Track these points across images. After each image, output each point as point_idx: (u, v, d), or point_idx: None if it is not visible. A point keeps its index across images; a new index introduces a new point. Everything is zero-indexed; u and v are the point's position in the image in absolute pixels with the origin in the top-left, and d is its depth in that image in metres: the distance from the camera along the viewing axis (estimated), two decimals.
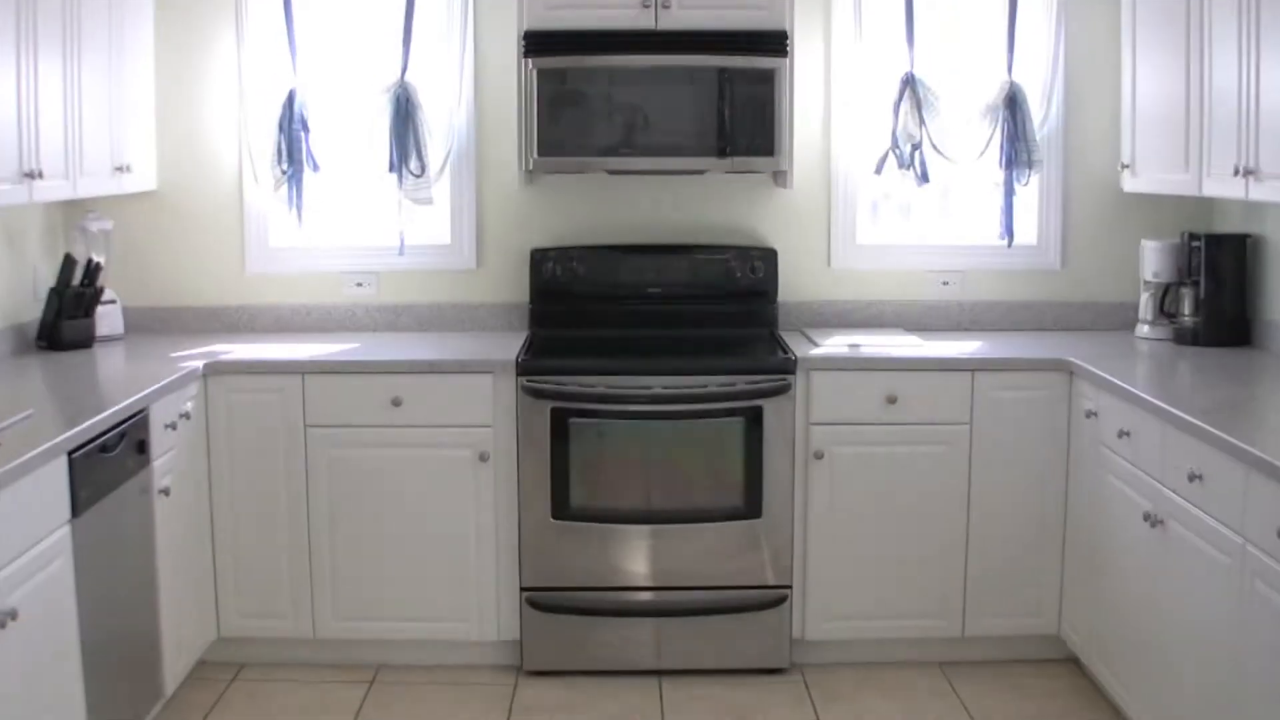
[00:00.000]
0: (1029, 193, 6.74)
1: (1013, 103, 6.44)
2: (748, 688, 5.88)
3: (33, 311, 6.12)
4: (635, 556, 6.04)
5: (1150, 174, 6.33)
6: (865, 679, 6.06)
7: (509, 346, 6.09)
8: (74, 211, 6.33)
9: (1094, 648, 5.93)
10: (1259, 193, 5.25)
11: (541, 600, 5.93)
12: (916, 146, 6.46)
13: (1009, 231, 6.63)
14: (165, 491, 5.27)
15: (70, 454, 4.26)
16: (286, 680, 5.98)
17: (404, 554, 6.03)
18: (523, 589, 5.91)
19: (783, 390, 5.82)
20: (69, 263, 6.16)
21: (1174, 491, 4.85)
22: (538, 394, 5.72)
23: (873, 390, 5.92)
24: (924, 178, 6.47)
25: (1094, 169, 6.87)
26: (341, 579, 6.01)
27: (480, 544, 5.85)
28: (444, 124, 6.59)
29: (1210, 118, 5.72)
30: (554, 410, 5.76)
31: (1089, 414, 5.76)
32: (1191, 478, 4.69)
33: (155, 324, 6.63)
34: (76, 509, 4.34)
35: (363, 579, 6.01)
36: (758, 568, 5.97)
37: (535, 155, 6.05)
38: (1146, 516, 5.07)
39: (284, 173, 6.42)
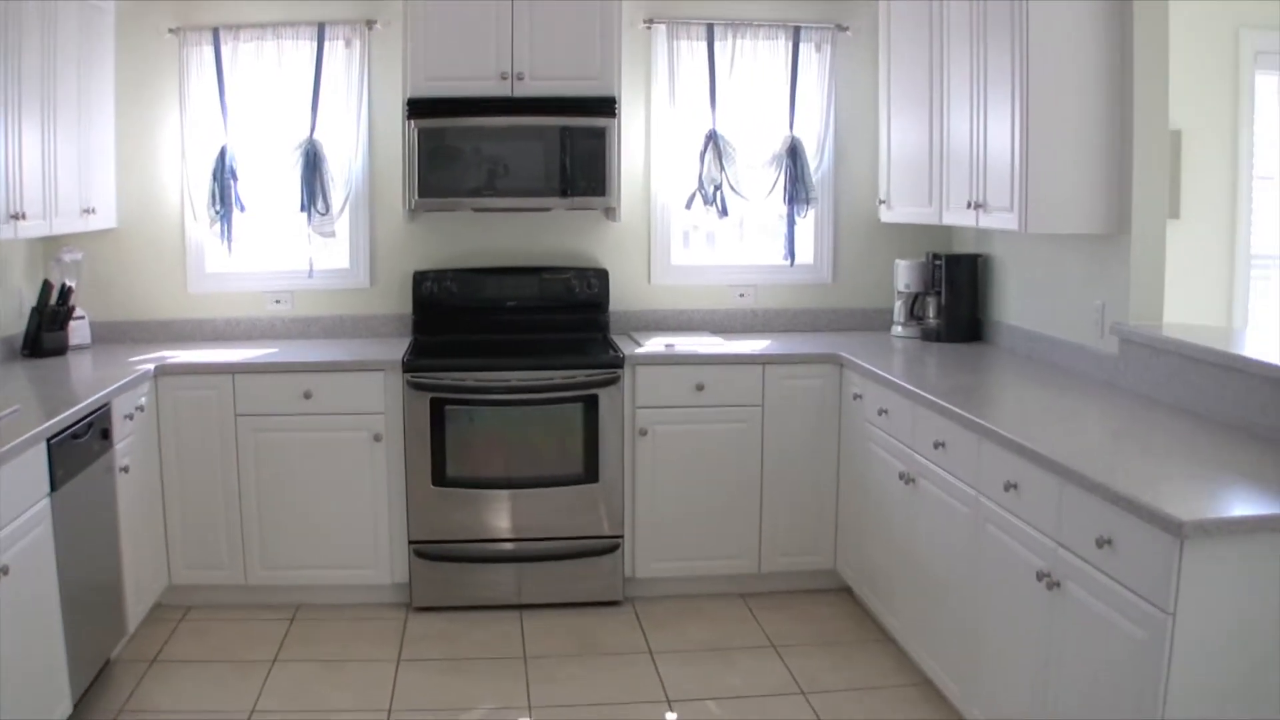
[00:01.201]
0: (807, 223, 7.59)
1: (794, 152, 7.32)
2: (590, 617, 6.53)
3: (18, 326, 6.56)
4: (499, 514, 6.58)
5: (902, 208, 7.16)
6: (683, 608, 6.69)
7: (396, 349, 6.71)
8: (51, 245, 6.77)
9: (863, 580, 6.56)
10: (987, 221, 6.10)
11: (425, 550, 6.53)
12: (718, 187, 7.26)
13: (791, 254, 7.50)
14: (125, 469, 5.71)
15: (49, 440, 4.71)
16: (225, 619, 6.46)
17: (316, 515, 6.50)
18: (410, 542, 6.52)
19: (614, 381, 6.54)
20: (47, 287, 6.59)
21: (923, 456, 5.59)
22: (419, 387, 6.38)
23: (685, 380, 6.64)
24: (724, 212, 7.31)
25: (858, 204, 7.65)
26: (267, 536, 6.50)
27: (376, 506, 6.48)
28: (344, 172, 7.12)
29: (948, 164, 6.55)
30: (432, 400, 6.40)
31: (855, 396, 6.55)
32: (936, 445, 5.41)
33: (116, 335, 7.09)
34: (54, 485, 4.77)
35: (284, 536, 6.51)
36: (596, 521, 6.61)
37: (416, 197, 6.76)
38: (902, 475, 5.80)
39: (217, 212, 6.97)
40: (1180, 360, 5.37)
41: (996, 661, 4.86)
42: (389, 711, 5.43)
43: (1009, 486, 4.68)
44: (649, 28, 7.29)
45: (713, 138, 7.23)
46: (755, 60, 7.34)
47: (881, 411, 6.19)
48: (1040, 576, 4.39)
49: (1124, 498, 3.83)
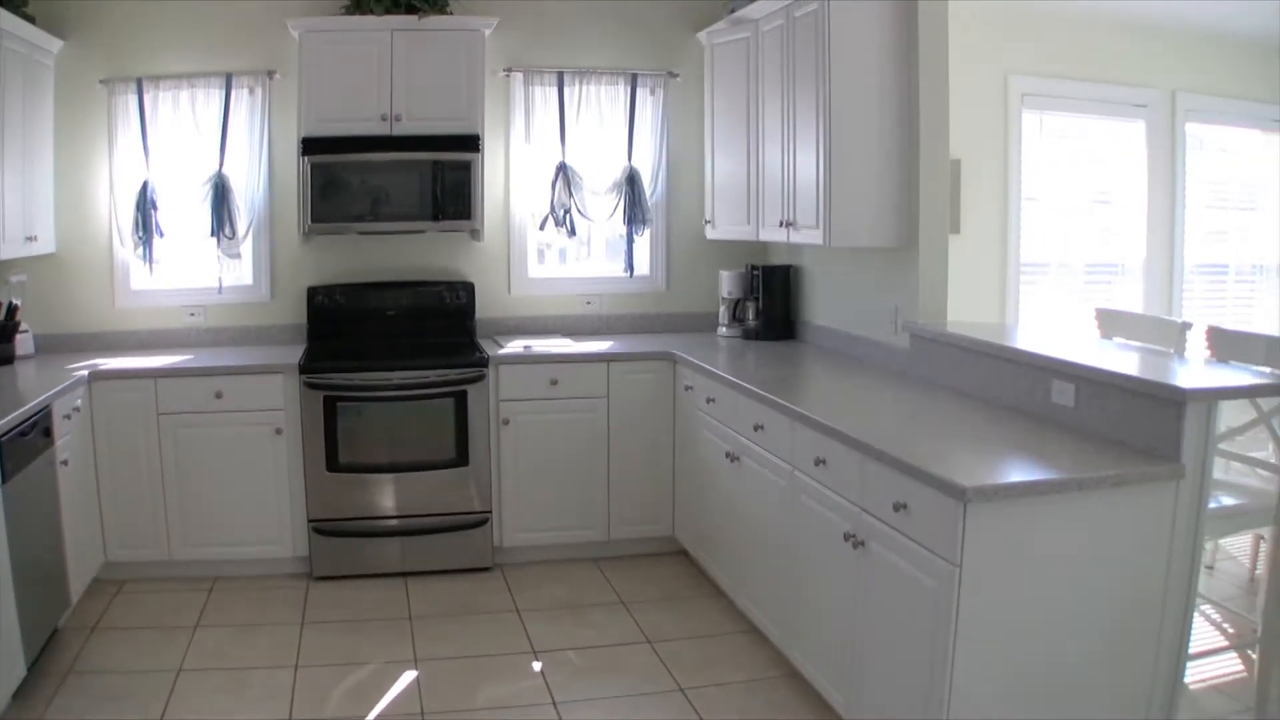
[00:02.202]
0: (644, 241, 8.20)
1: (632, 181, 7.96)
2: (465, 582, 6.97)
3: None
4: (385, 495, 7.01)
5: (725, 226, 7.71)
6: (544, 572, 7.17)
7: (294, 355, 7.09)
8: (1, 269, 7.04)
9: (697, 544, 7.00)
10: (796, 237, 6.64)
11: (323, 527, 6.93)
12: (567, 211, 7.86)
13: (630, 267, 8.12)
14: (65, 463, 6.01)
15: (0, 438, 4.97)
16: (154, 591, 6.78)
17: (228, 499, 6.87)
18: (309, 520, 6.92)
19: (480, 378, 7.01)
20: None
21: (745, 437, 6.01)
22: (313, 386, 6.79)
23: (541, 376, 7.16)
24: (572, 232, 7.92)
25: (687, 224, 8.28)
26: (187, 518, 6.86)
27: (279, 490, 6.88)
28: (248, 202, 7.49)
29: (764, 189, 7.08)
30: (325, 397, 6.82)
31: (687, 388, 7.02)
32: (756, 428, 5.82)
33: (56, 346, 7.40)
34: (5, 477, 5.00)
35: (201, 517, 6.87)
36: (468, 499, 7.08)
37: (310, 222, 7.19)
38: (728, 455, 6.24)
39: (140, 238, 7.32)
40: (961, 353, 5.78)
41: (813, 610, 5.23)
42: (296, 667, 5.74)
43: (819, 461, 5.09)
44: (508, 75, 7.86)
45: (562, 168, 7.83)
46: (599, 102, 7.96)
47: (709, 400, 6.62)
48: (847, 537, 4.75)
49: (916, 468, 4.20)
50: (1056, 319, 8.92)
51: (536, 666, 5.87)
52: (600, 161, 8.05)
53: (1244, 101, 9.52)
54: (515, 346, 7.50)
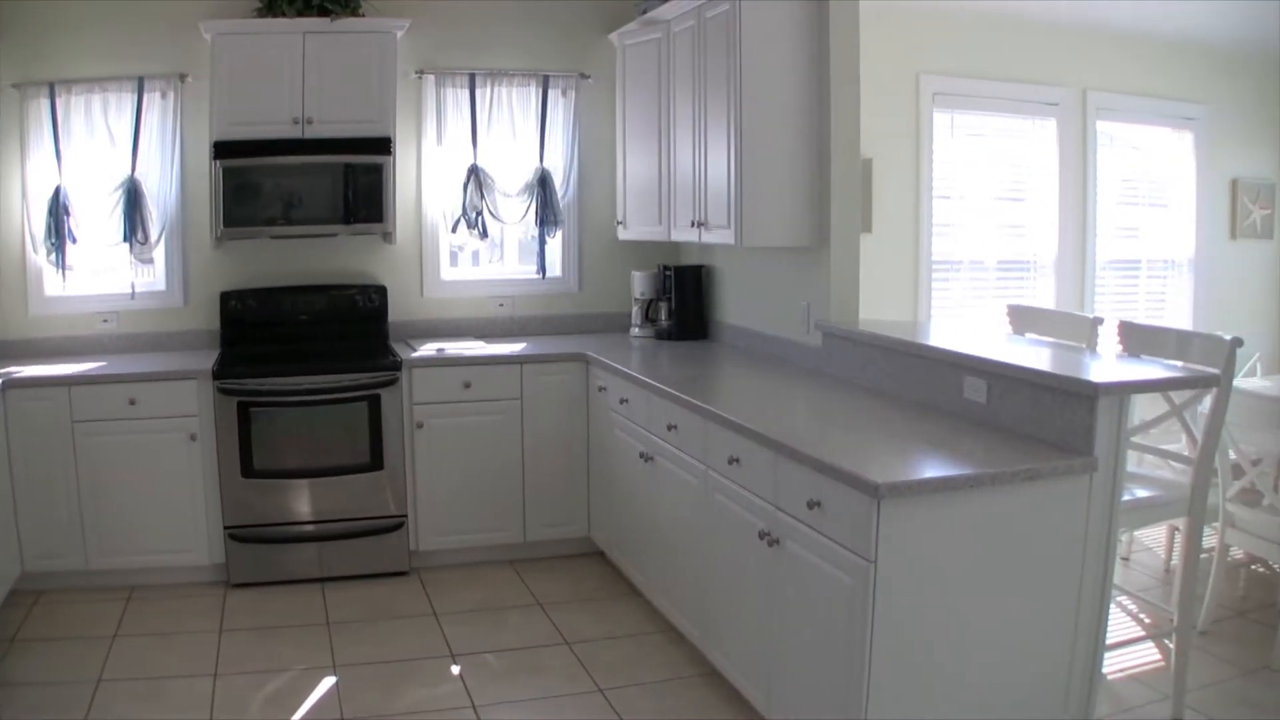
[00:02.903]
0: (556, 242, 8.37)
1: (544, 182, 8.11)
2: (382, 586, 7.07)
3: None
4: (300, 500, 7.09)
5: (637, 227, 7.86)
6: (461, 575, 7.27)
7: (207, 360, 7.15)
8: None
9: (613, 544, 7.12)
10: (709, 238, 6.79)
11: (239, 534, 6.99)
12: (479, 213, 7.99)
13: (543, 268, 8.30)
14: None
15: None
16: (71, 601, 6.82)
17: (144, 507, 6.91)
18: (225, 527, 6.98)
19: (393, 382, 7.11)
20: None
21: (659, 437, 6.14)
22: (227, 392, 6.87)
23: (454, 379, 7.28)
24: (484, 234, 8.05)
25: (599, 225, 8.44)
26: (103, 527, 6.90)
27: (194, 497, 6.93)
28: (160, 206, 7.52)
29: (675, 190, 7.23)
30: (239, 403, 6.89)
31: (600, 388, 7.15)
32: (670, 428, 5.93)
33: None
34: None
35: (117, 526, 6.91)
36: (384, 503, 7.18)
37: (222, 227, 7.23)
38: (642, 455, 6.36)
39: (53, 244, 7.36)
40: (873, 350, 5.92)
41: (730, 609, 5.34)
42: (215, 676, 5.82)
43: (732, 460, 5.20)
44: (420, 78, 7.99)
45: (474, 171, 8.00)
46: (510, 104, 8.12)
47: (623, 401, 6.75)
48: (762, 535, 4.86)
49: (829, 466, 4.31)
50: (969, 316, 9.15)
51: (455, 670, 5.98)
52: (512, 163, 8.20)
53: (1154, 99, 9.79)
54: (428, 349, 7.61)
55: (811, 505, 4.47)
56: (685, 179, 7.14)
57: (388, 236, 7.80)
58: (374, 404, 7.20)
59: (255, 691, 5.70)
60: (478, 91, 8.11)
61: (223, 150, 7.28)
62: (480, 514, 7.52)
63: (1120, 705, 5.53)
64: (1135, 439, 5.40)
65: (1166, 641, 5.95)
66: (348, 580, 7.25)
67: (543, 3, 8.37)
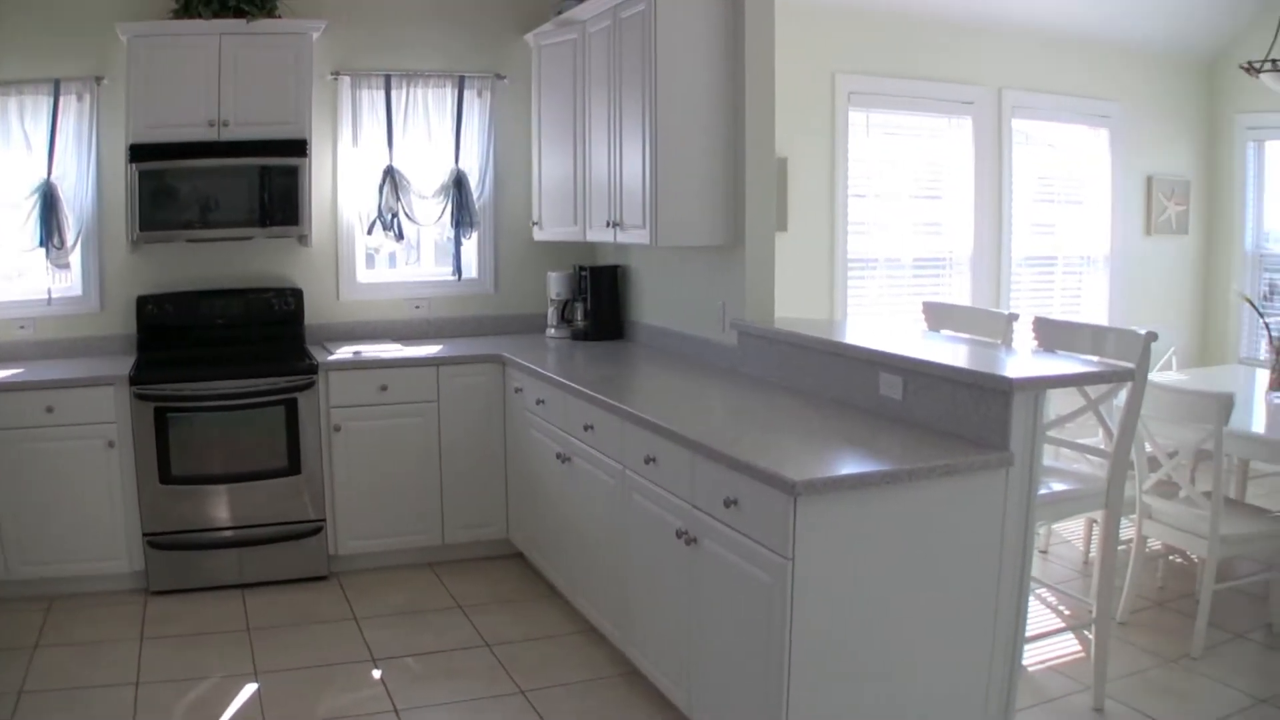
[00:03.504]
0: (471, 243, 8.49)
1: (459, 184, 8.24)
2: (303, 591, 7.14)
3: None
4: (219, 506, 7.14)
5: (552, 228, 7.98)
6: (381, 579, 7.36)
7: (124, 366, 7.19)
8: None
9: (532, 546, 7.22)
10: (624, 238, 6.90)
11: (158, 541, 7.04)
12: (395, 215, 8.10)
13: (459, 270, 8.42)
14: None
15: None
16: None
17: (62, 515, 6.92)
18: (144, 534, 7.01)
19: (310, 385, 7.20)
20: None
21: (576, 438, 6.22)
22: (144, 398, 6.92)
23: (371, 382, 7.37)
24: (400, 236, 8.16)
25: (515, 226, 8.58)
26: (22, 536, 6.92)
27: (113, 504, 6.97)
28: (76, 211, 7.53)
29: (590, 190, 7.33)
30: (156, 409, 6.95)
31: (517, 390, 7.23)
32: (586, 428, 6.02)
33: None
34: None
35: (37, 534, 6.93)
36: (302, 508, 7.26)
37: (138, 230, 7.26)
38: (559, 455, 6.45)
39: None
40: (790, 348, 6.03)
41: (649, 609, 5.43)
42: (137, 685, 5.85)
43: (649, 460, 5.29)
44: (335, 79, 8.07)
45: (390, 172, 8.11)
46: (426, 105, 8.26)
47: (539, 401, 6.84)
48: (679, 534, 4.95)
49: (745, 464, 4.39)
50: (885, 314, 9.33)
51: (376, 674, 6.06)
52: (428, 165, 8.33)
53: (1069, 97, 10.14)
54: (345, 352, 7.70)
55: (729, 504, 4.57)
56: (600, 179, 7.26)
57: (304, 239, 7.89)
58: (291, 408, 7.28)
59: (178, 700, 5.75)
60: (393, 93, 8.23)
61: (139, 153, 7.32)
62: (399, 517, 7.62)
63: (1041, 696, 5.68)
64: (1051, 433, 5.57)
65: (1086, 633, 6.09)
66: (268, 586, 7.32)
67: (458, 4, 8.48)
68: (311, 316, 8.27)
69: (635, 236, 6.86)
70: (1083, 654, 6.12)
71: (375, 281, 8.54)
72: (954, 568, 4.57)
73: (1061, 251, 10.28)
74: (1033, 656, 6.03)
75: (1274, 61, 7.38)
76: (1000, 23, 9.32)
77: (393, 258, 8.64)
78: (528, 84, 8.52)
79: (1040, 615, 6.58)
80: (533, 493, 7.18)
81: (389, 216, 8.23)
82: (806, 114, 8.86)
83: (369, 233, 8.28)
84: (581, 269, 8.37)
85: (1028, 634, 5.02)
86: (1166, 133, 10.57)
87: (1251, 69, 7.49)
